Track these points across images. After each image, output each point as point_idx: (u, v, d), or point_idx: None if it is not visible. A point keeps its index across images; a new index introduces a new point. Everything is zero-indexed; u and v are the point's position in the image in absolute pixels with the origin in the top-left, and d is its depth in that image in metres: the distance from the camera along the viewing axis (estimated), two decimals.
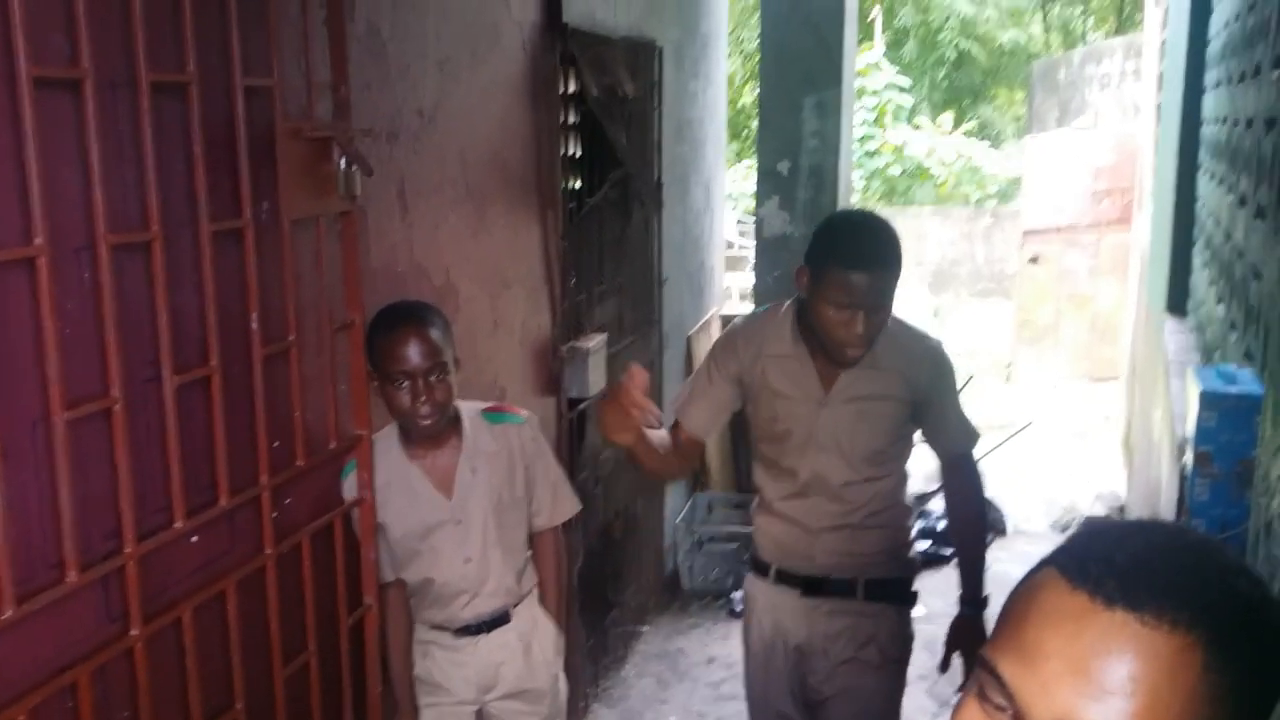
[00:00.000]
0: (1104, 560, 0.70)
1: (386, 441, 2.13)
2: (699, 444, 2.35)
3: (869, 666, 2.27)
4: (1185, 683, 0.66)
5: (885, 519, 2.27)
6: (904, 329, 2.22)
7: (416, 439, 2.13)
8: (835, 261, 2.03)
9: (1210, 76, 3.89)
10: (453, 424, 2.15)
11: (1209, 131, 3.82)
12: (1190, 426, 1.81)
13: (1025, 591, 0.73)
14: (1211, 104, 3.78)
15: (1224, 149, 3.24)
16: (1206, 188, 3.80)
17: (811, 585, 2.27)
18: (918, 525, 5.27)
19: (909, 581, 2.35)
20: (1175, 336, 3.97)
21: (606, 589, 3.38)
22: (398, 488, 2.12)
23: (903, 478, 2.33)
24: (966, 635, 2.30)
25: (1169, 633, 0.67)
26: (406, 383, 2.01)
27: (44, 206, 1.30)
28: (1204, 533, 0.78)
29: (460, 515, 2.15)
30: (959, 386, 2.25)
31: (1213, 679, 0.67)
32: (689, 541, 4.80)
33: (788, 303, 2.27)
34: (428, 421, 2.04)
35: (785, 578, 2.31)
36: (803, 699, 2.34)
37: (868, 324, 2.03)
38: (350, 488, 2.05)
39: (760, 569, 2.36)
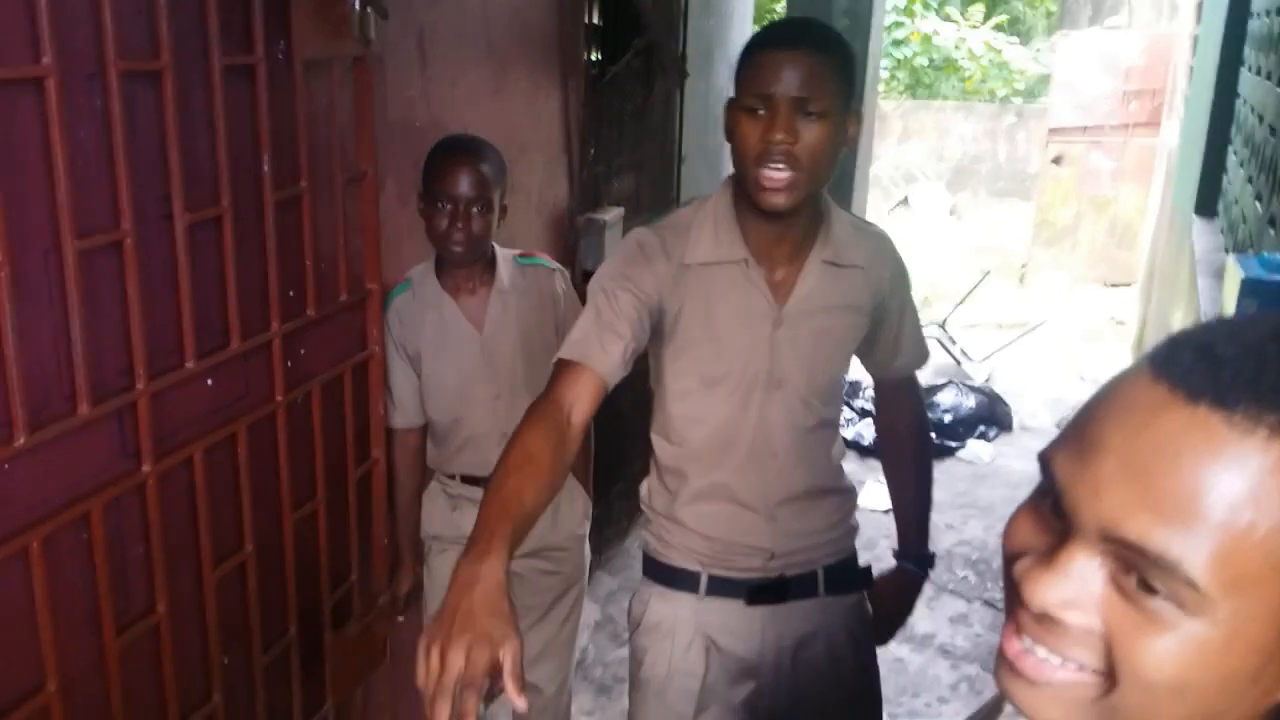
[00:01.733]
0: (1202, 348, 0.55)
1: (424, 274, 2.17)
2: (599, 393, 1.51)
3: (841, 675, 1.78)
4: (1276, 508, 0.52)
5: (834, 479, 1.77)
6: (855, 220, 1.71)
7: (448, 269, 2.16)
8: (747, 51, 1.53)
9: None
10: (487, 265, 2.18)
11: (1257, 25, 3.68)
12: (1229, 314, 1.78)
13: (1106, 387, 0.60)
14: None
15: (1275, 41, 3.12)
16: (1251, 83, 3.68)
17: (762, 591, 1.72)
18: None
19: (856, 556, 1.84)
20: (1204, 237, 3.90)
21: (611, 462, 3.40)
22: (432, 319, 2.16)
23: (839, 413, 1.81)
24: (907, 598, 1.89)
25: (1266, 439, 0.52)
26: (449, 207, 2.04)
27: (52, 23, 1.24)
28: None
29: (490, 348, 2.18)
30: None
31: None
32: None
33: (710, 196, 1.64)
34: (459, 248, 2.07)
35: (723, 587, 1.72)
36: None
37: (789, 128, 1.44)
38: (394, 310, 2.14)
39: (678, 581, 1.74)
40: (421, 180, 2.09)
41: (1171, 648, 0.55)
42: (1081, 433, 0.59)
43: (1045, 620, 0.59)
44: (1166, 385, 0.56)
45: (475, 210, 2.05)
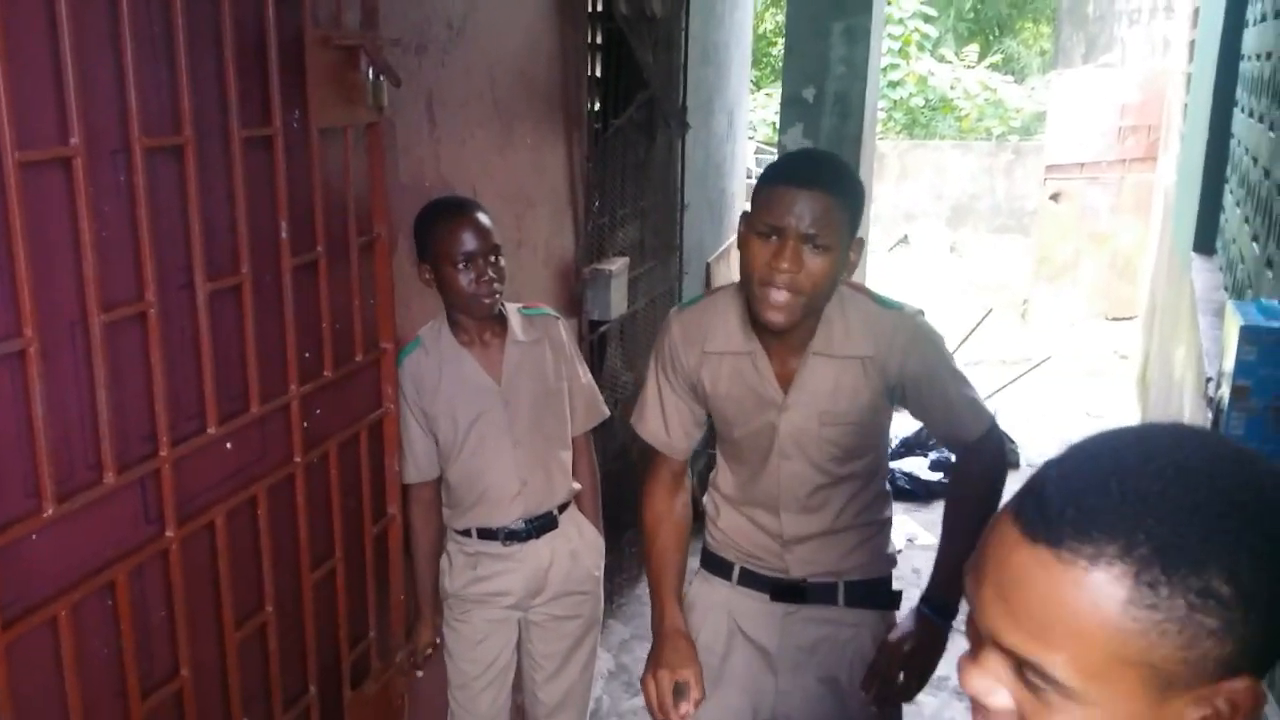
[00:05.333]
0: (1037, 495, 0.70)
1: (436, 331, 2.21)
2: (682, 461, 1.97)
3: (849, 690, 1.90)
4: (1106, 616, 0.66)
5: (865, 516, 1.90)
6: (872, 306, 1.79)
7: (470, 325, 2.20)
8: (764, 181, 1.66)
9: (1254, 11, 3.79)
10: (498, 317, 2.23)
11: (1249, 67, 3.73)
12: (1228, 361, 1.80)
13: (993, 521, 0.75)
14: (1254, 39, 3.69)
15: (1266, 85, 3.17)
16: (1244, 124, 3.73)
17: (783, 590, 1.91)
18: (931, 456, 5.29)
19: (889, 580, 1.96)
20: (1203, 275, 3.93)
21: (622, 510, 3.41)
22: (449, 373, 2.19)
23: (881, 462, 1.93)
24: (924, 644, 1.81)
25: (1085, 568, 0.66)
26: (467, 264, 2.09)
27: (79, 106, 1.28)
28: (1209, 443, 0.70)
29: (509, 397, 2.22)
30: (956, 350, 1.77)
31: (1139, 614, 0.65)
32: (703, 463, 4.84)
33: (731, 285, 1.84)
34: (489, 300, 2.12)
35: (751, 580, 1.94)
36: (765, 713, 1.95)
37: (795, 258, 1.59)
38: (406, 370, 2.15)
39: (716, 567, 1.98)
40: (423, 248, 2.13)
41: None
42: (977, 558, 0.75)
43: (978, 705, 0.75)
44: (1019, 528, 0.70)
45: (494, 260, 2.11)
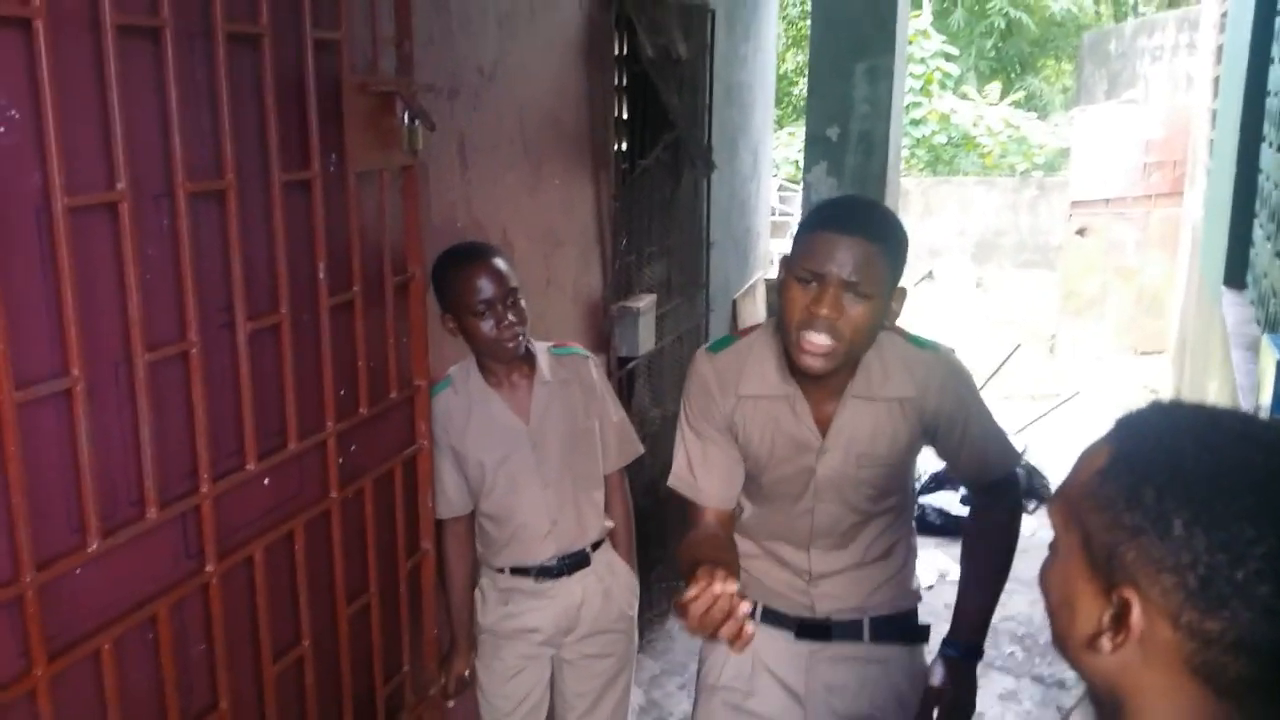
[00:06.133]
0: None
1: (465, 372, 2.22)
2: (730, 514, 1.88)
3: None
4: (1085, 477, 0.85)
5: (893, 551, 1.90)
6: (907, 347, 1.78)
7: (497, 367, 2.21)
8: (805, 226, 1.64)
9: None
10: (527, 358, 2.23)
11: (1276, 103, 3.74)
12: (1265, 395, 1.79)
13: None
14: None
15: None
16: (1271, 159, 3.72)
17: (808, 629, 1.90)
18: (962, 491, 5.26)
19: (915, 614, 1.96)
20: (1234, 309, 3.91)
21: (651, 545, 3.41)
22: (478, 414, 2.20)
23: (910, 497, 1.95)
24: (958, 686, 1.82)
25: (1101, 447, 0.86)
26: (487, 311, 2.09)
27: (126, 152, 1.32)
28: (1245, 422, 0.83)
29: (537, 439, 2.22)
30: (984, 386, 1.81)
31: (1098, 483, 0.84)
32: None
33: (766, 325, 1.83)
34: (513, 344, 2.12)
35: (774, 618, 1.91)
36: None
37: (836, 305, 1.56)
38: (436, 409, 2.15)
39: None
40: (443, 299, 2.12)
41: (1047, 567, 0.91)
42: None
43: None
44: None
45: (512, 303, 2.12)
